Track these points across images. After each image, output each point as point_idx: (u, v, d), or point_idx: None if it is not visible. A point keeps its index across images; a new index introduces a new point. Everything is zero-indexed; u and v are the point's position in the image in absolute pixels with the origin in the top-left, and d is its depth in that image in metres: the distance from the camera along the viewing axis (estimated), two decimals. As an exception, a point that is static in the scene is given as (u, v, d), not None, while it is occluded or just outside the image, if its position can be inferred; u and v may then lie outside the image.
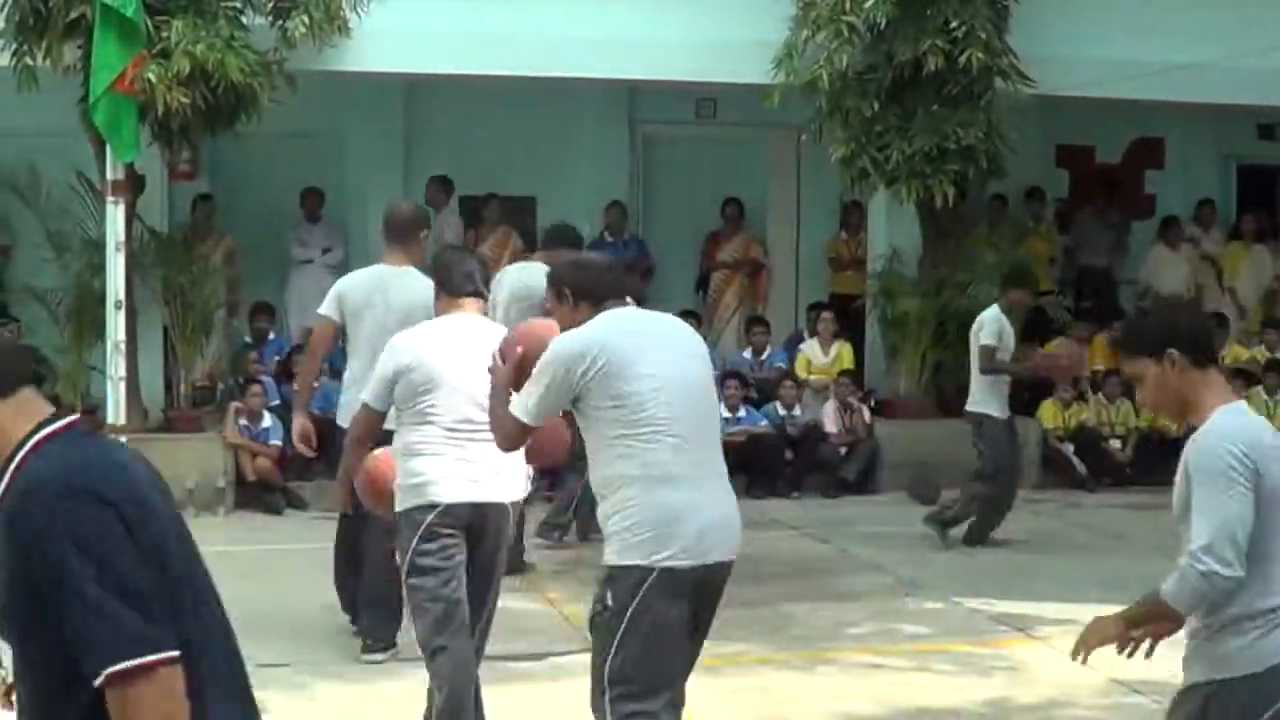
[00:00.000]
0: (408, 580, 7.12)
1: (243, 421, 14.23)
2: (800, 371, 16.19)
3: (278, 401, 14.68)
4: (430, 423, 7.07)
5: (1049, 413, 16.00)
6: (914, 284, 15.68)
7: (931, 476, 14.84)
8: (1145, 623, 5.05)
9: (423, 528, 7.01)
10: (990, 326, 12.61)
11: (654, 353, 5.84)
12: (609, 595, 5.80)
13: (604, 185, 17.72)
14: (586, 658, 8.96)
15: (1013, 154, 15.24)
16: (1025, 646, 9.42)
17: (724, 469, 6.01)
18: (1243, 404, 5.06)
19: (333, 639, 9.48)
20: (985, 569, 11.78)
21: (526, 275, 11.15)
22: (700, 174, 18.42)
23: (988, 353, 12.51)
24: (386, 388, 7.15)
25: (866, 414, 15.66)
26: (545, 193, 17.77)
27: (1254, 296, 18.67)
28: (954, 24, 14.49)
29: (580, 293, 6.06)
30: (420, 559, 7.04)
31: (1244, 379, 16.52)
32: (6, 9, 13.33)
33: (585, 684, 8.49)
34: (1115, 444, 16.12)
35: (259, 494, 14.21)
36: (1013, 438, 13.12)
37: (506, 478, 7.16)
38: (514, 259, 16.92)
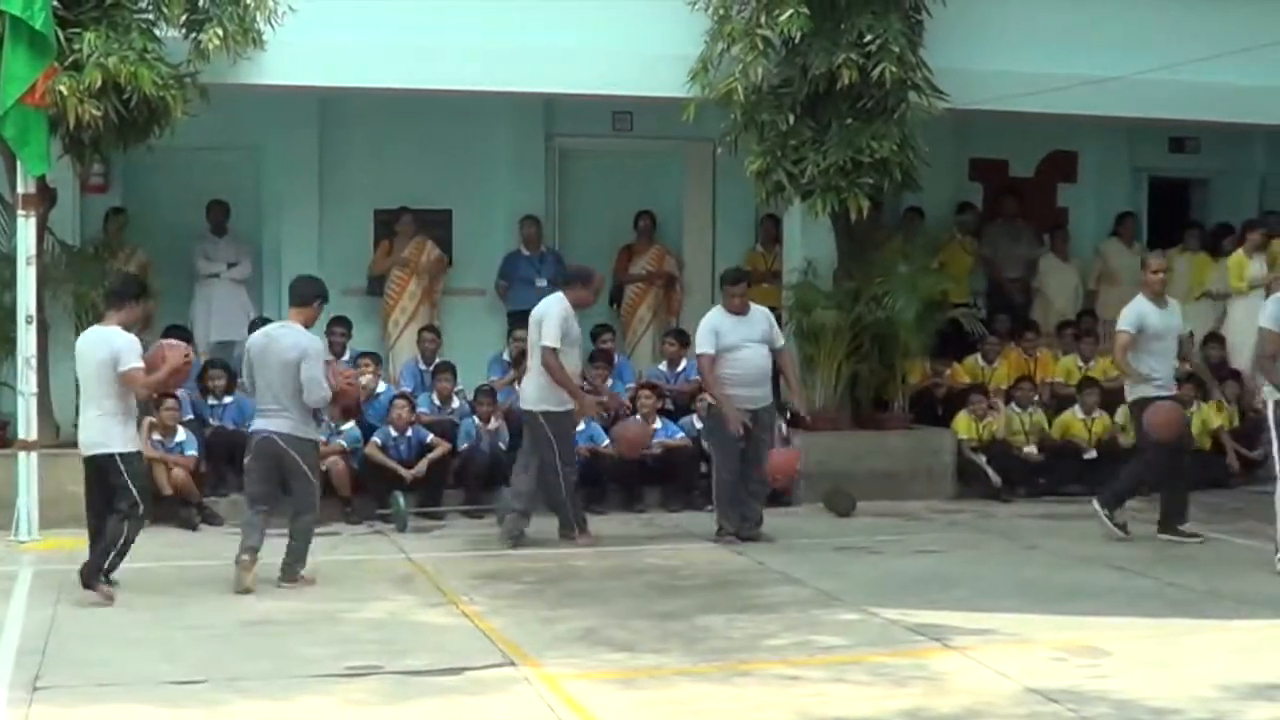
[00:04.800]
0: None
1: (156, 436, 14.09)
2: (716, 384, 16.18)
3: (191, 416, 14.57)
4: None
5: (963, 424, 16.08)
6: (829, 296, 15.74)
7: (846, 488, 14.90)
8: None
9: None
10: None
11: None
12: None
13: (520, 198, 17.71)
14: (506, 671, 8.99)
15: (926, 167, 15.34)
16: (942, 656, 9.45)
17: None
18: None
19: (250, 655, 9.42)
20: (901, 580, 11.82)
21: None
22: (616, 187, 18.44)
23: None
24: None
25: (783, 426, 15.67)
26: (461, 206, 17.75)
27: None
28: (868, 38, 14.57)
29: None
30: None
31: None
32: (-87, 22, 13.18)
33: (504, 698, 8.50)
34: (1030, 450, 16.20)
35: (174, 510, 14.08)
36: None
37: None
38: (430, 268, 16.97)
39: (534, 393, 13.14)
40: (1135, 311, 13.27)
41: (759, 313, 13.68)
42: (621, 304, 17.95)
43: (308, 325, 11.69)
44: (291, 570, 11.53)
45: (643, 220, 17.97)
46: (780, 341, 13.76)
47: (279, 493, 11.75)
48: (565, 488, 13.15)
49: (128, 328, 11.12)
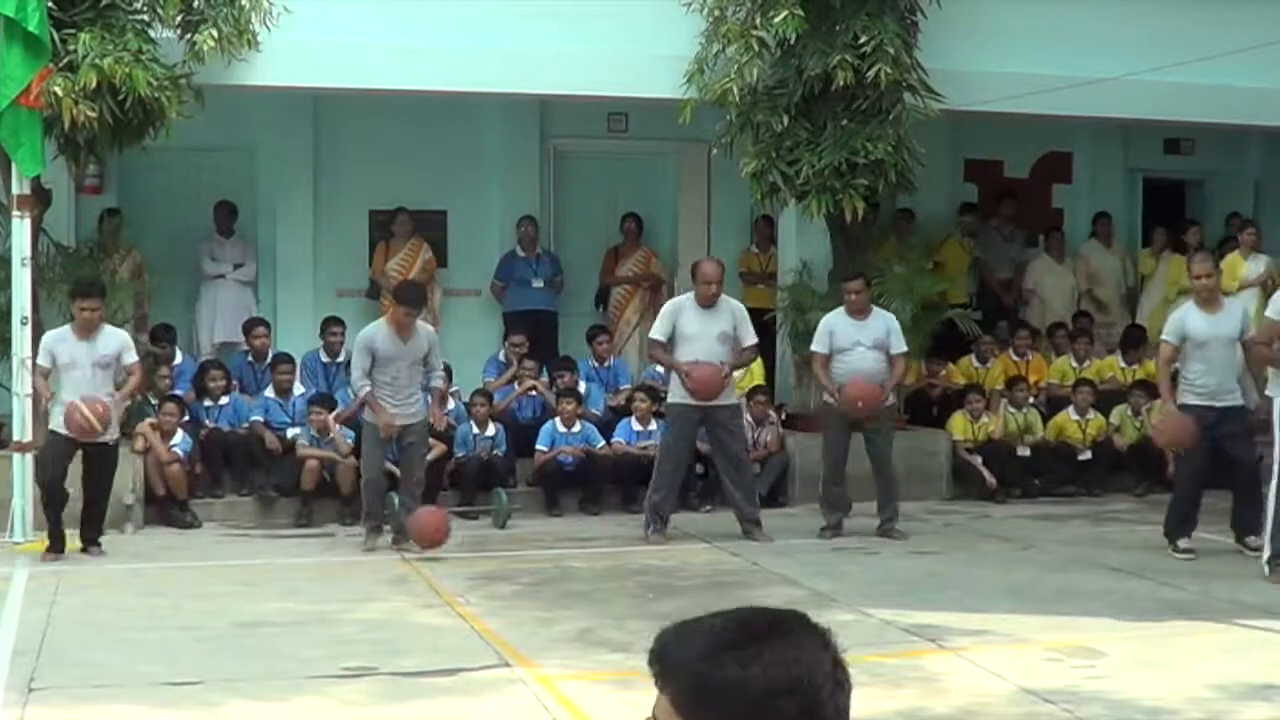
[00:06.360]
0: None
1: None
2: (711, 385, 16.16)
3: (187, 418, 14.55)
4: None
5: (959, 424, 16.08)
6: (824, 297, 15.70)
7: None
8: None
9: None
10: None
11: None
12: None
13: (515, 199, 17.70)
14: (502, 672, 8.99)
15: (921, 168, 15.34)
16: (937, 657, 9.45)
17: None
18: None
19: (245, 656, 9.42)
20: (897, 581, 11.83)
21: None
22: (611, 188, 18.43)
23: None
24: None
25: (779, 427, 15.69)
26: (456, 207, 17.73)
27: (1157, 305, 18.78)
28: (863, 39, 14.57)
29: None
30: None
31: (1144, 390, 16.62)
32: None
33: (500, 699, 8.50)
34: (1024, 451, 16.19)
35: (166, 510, 14.06)
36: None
37: None
38: (424, 270, 16.95)
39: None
40: (1179, 319, 12.67)
41: (879, 317, 13.78)
42: (608, 306, 17.92)
43: (393, 322, 12.92)
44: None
45: (628, 223, 17.93)
46: (898, 347, 13.75)
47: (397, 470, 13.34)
48: (652, 481, 13.59)
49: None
